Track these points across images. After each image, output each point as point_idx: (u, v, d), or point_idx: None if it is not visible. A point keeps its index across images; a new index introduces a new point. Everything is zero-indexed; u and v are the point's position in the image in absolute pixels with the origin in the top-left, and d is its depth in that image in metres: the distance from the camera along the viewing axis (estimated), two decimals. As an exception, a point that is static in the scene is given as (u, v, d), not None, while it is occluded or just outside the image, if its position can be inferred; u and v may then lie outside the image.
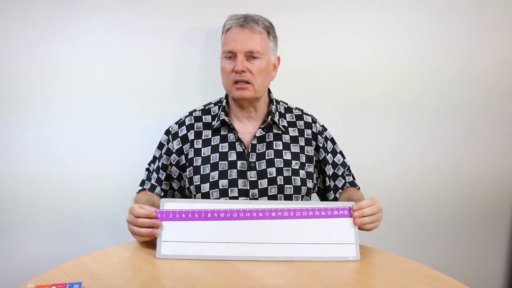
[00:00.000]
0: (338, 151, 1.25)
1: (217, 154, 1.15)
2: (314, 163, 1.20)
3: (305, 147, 1.20)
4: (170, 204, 0.97)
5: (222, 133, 1.17)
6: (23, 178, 1.35)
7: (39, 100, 1.32)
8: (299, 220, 0.96)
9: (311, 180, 1.18)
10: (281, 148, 1.17)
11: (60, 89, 1.34)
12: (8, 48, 1.28)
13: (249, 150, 1.15)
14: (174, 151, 1.18)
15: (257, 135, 1.16)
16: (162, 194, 1.19)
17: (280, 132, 1.19)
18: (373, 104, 1.56)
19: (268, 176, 1.13)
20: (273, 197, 1.13)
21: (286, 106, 1.25)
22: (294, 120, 1.22)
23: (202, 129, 1.19)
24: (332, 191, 1.23)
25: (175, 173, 1.19)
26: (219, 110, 1.20)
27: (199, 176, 1.14)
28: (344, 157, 1.26)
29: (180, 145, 1.18)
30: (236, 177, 1.12)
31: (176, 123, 1.22)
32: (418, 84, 1.58)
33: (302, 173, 1.16)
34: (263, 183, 1.13)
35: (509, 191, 1.76)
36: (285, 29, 1.33)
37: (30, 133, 1.33)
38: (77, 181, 1.38)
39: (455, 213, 1.70)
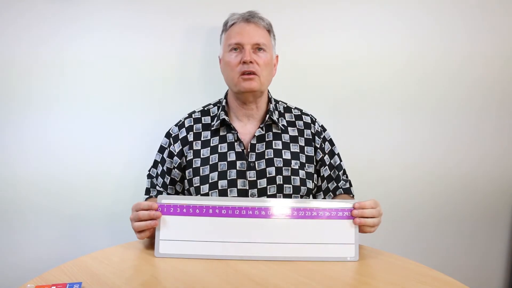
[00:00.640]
0: (336, 153, 1.24)
1: (216, 155, 1.15)
2: (314, 163, 1.20)
3: (305, 147, 1.19)
4: (168, 201, 0.97)
5: (221, 133, 1.17)
6: (23, 178, 1.35)
7: (39, 99, 1.33)
8: (299, 220, 0.96)
9: (311, 181, 1.18)
10: (280, 147, 1.17)
11: (60, 88, 1.34)
12: (8, 47, 1.28)
13: (248, 150, 1.15)
14: (175, 153, 1.18)
15: (257, 135, 1.16)
16: None
17: (279, 131, 1.19)
18: (373, 102, 1.56)
19: (267, 176, 1.13)
20: (272, 197, 1.13)
21: (286, 105, 1.25)
22: (294, 120, 1.22)
23: (201, 130, 1.19)
24: (322, 192, 1.22)
25: (177, 176, 1.19)
26: (218, 111, 1.20)
27: (198, 177, 1.14)
28: (340, 160, 1.25)
29: (181, 147, 1.18)
30: (235, 177, 1.12)
31: (176, 125, 1.22)
32: (418, 82, 1.58)
33: (301, 173, 1.16)
34: (262, 182, 1.13)
35: (510, 191, 1.76)
36: (284, 27, 1.33)
37: (30, 133, 1.33)
38: (77, 181, 1.38)
39: (455, 213, 1.70)
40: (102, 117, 1.38)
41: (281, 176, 1.14)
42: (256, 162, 1.14)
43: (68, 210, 1.39)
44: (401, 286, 0.84)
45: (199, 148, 1.16)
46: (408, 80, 1.57)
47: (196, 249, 0.94)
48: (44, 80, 1.32)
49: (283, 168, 1.14)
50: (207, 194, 1.12)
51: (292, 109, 1.25)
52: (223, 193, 1.12)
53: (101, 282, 0.83)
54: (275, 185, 1.13)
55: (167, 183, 1.19)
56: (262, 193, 1.12)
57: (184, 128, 1.19)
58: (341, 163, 1.24)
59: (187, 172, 1.16)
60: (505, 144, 1.71)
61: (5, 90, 1.30)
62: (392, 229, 1.63)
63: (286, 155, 1.16)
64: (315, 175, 1.21)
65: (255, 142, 1.16)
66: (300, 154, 1.18)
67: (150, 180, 1.22)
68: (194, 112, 1.23)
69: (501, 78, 1.66)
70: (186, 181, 1.17)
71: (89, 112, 1.37)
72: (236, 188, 1.12)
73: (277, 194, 1.13)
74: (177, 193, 1.21)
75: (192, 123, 1.20)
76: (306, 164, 1.18)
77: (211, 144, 1.16)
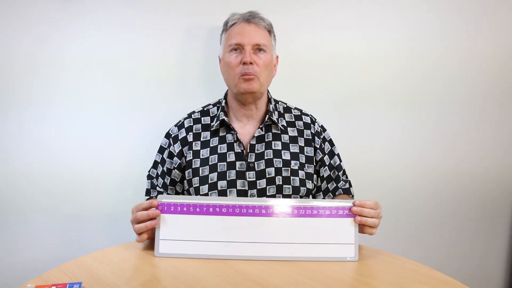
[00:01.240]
0: (336, 154, 1.24)
1: (216, 155, 1.15)
2: (314, 164, 1.20)
3: (305, 147, 1.19)
4: (168, 200, 0.97)
5: (220, 134, 1.17)
6: (23, 178, 1.35)
7: (39, 98, 1.33)
8: (300, 218, 0.95)
9: (310, 181, 1.18)
10: (280, 148, 1.17)
11: (61, 88, 1.34)
12: (8, 46, 1.29)
13: (248, 151, 1.15)
14: (175, 154, 1.18)
15: (256, 135, 1.16)
16: None
17: (279, 132, 1.19)
18: (373, 102, 1.56)
19: (267, 176, 1.13)
20: (272, 197, 1.12)
21: (285, 105, 1.25)
22: (293, 120, 1.22)
23: (200, 131, 1.19)
24: (321, 193, 1.22)
25: (177, 176, 1.19)
26: (218, 111, 1.20)
27: (198, 178, 1.14)
28: (340, 160, 1.24)
29: (180, 147, 1.18)
30: (235, 177, 1.12)
31: (175, 125, 1.22)
32: (419, 82, 1.58)
33: (301, 173, 1.16)
34: (262, 183, 1.13)
35: (510, 191, 1.76)
36: (283, 25, 1.33)
37: (30, 133, 1.33)
38: (78, 181, 1.38)
39: (455, 212, 1.70)
40: (102, 117, 1.38)
41: (280, 177, 1.14)
42: (255, 162, 1.14)
43: (68, 210, 1.39)
44: (401, 286, 0.84)
45: (199, 148, 1.16)
46: (408, 80, 1.57)
47: (196, 248, 0.94)
48: (44, 79, 1.32)
49: (283, 168, 1.14)
50: (206, 195, 1.12)
51: (292, 109, 1.25)
52: (222, 193, 1.11)
53: (101, 282, 0.83)
54: (274, 186, 1.13)
55: (167, 184, 1.19)
56: (262, 193, 1.12)
57: (183, 129, 1.19)
58: (341, 163, 1.24)
59: (186, 172, 1.16)
60: (505, 144, 1.71)
61: (5, 89, 1.30)
62: (392, 229, 1.63)
63: (286, 155, 1.16)
64: (315, 176, 1.21)
65: (254, 142, 1.16)
66: (300, 154, 1.18)
67: (150, 181, 1.22)
68: (193, 112, 1.23)
69: (501, 77, 1.66)
70: (185, 181, 1.17)
71: (89, 112, 1.37)
72: (235, 189, 1.12)
73: (277, 195, 1.13)
74: (177, 193, 1.21)
75: (192, 124, 1.20)
76: (306, 165, 1.18)
77: (211, 145, 1.16)
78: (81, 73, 1.34)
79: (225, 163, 1.13)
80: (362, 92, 1.54)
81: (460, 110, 1.64)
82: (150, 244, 0.98)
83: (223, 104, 1.20)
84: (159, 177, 1.20)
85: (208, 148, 1.16)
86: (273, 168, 1.14)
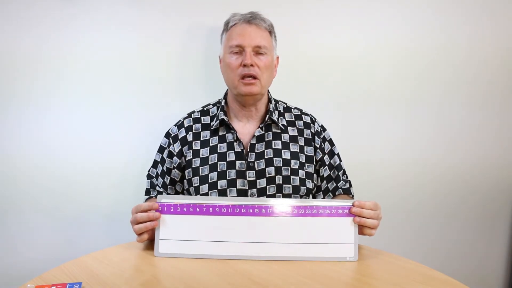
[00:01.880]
0: (336, 153, 1.24)
1: (216, 154, 1.15)
2: (314, 163, 1.20)
3: (305, 147, 1.19)
4: (168, 201, 0.97)
5: (220, 133, 1.17)
6: (23, 178, 1.35)
7: (39, 98, 1.33)
8: (299, 218, 0.95)
9: (310, 181, 1.18)
10: (280, 147, 1.17)
11: (60, 87, 1.34)
12: (8, 46, 1.28)
13: (248, 150, 1.15)
14: (175, 153, 1.18)
15: (256, 135, 1.16)
16: None
17: (279, 131, 1.19)
18: (373, 102, 1.56)
19: (267, 176, 1.13)
20: (272, 197, 1.12)
21: (286, 105, 1.25)
22: (293, 119, 1.22)
23: (200, 130, 1.19)
24: (321, 193, 1.22)
25: (177, 176, 1.19)
26: (217, 111, 1.20)
27: (198, 177, 1.14)
28: (340, 160, 1.24)
29: (180, 147, 1.18)
30: (234, 177, 1.12)
31: (175, 125, 1.22)
32: (419, 81, 1.58)
33: (301, 173, 1.16)
34: (262, 182, 1.13)
35: (510, 191, 1.76)
36: (284, 25, 1.33)
37: (29, 132, 1.33)
38: (78, 181, 1.38)
39: (455, 212, 1.70)
40: (102, 117, 1.38)
41: (280, 176, 1.14)
42: (255, 162, 1.14)
43: (68, 210, 1.39)
44: (401, 286, 0.84)
45: (199, 148, 1.16)
46: (408, 80, 1.57)
47: (196, 248, 0.94)
48: (44, 79, 1.32)
49: (283, 168, 1.14)
50: (206, 194, 1.12)
51: (292, 109, 1.25)
52: (222, 193, 1.11)
53: (101, 282, 0.83)
54: (274, 185, 1.13)
55: (167, 183, 1.19)
56: (262, 193, 1.12)
57: (183, 128, 1.19)
58: (341, 163, 1.24)
59: (186, 172, 1.16)
60: (506, 143, 1.72)
61: (4, 88, 1.30)
62: (392, 229, 1.63)
63: (286, 155, 1.16)
64: (315, 175, 1.21)
65: (254, 142, 1.16)
66: (300, 154, 1.18)
67: (150, 180, 1.22)
68: (193, 112, 1.23)
69: (502, 76, 1.66)
70: (185, 181, 1.17)
71: (89, 112, 1.37)
72: (235, 188, 1.12)
73: (277, 194, 1.13)
74: (177, 193, 1.21)
75: (192, 123, 1.20)
76: (306, 164, 1.18)
77: (211, 144, 1.16)
78: (81, 73, 1.34)
79: (225, 162, 1.13)
80: (362, 91, 1.54)
81: (460, 110, 1.64)
82: (150, 244, 0.98)
83: (222, 103, 1.20)
84: (159, 177, 1.20)
85: (208, 148, 1.16)
86: (273, 168, 1.14)
